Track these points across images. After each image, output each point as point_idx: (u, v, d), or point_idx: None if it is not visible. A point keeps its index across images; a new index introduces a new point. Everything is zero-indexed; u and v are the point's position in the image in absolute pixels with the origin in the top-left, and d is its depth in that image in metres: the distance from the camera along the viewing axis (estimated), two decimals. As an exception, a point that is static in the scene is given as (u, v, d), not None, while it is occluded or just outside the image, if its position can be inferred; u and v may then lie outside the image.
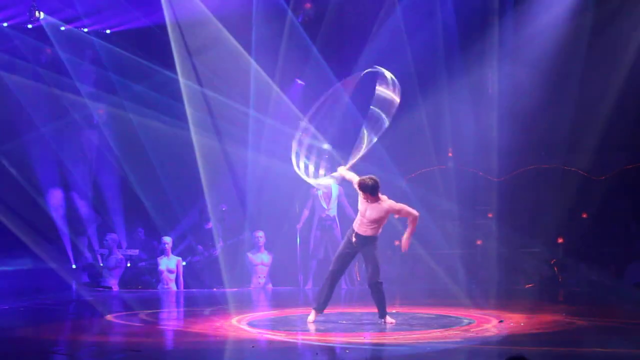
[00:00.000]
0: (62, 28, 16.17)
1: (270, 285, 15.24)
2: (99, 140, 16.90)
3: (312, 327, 9.52)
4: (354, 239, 9.64)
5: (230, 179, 16.50)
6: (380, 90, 9.87)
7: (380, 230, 9.68)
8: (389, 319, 9.70)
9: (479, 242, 15.60)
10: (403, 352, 7.90)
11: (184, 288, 15.04)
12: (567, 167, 15.56)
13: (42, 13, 15.25)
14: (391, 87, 9.82)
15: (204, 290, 14.73)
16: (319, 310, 9.76)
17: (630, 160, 15.35)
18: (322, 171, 10.33)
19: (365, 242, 9.63)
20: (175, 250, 15.37)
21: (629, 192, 15.41)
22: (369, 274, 9.74)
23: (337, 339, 8.84)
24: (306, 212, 15.10)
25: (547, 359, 7.70)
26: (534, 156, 15.90)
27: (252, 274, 15.21)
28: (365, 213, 9.58)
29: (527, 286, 14.59)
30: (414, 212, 9.56)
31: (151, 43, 16.25)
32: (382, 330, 9.27)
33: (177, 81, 15.97)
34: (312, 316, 9.76)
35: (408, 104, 15.42)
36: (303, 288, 15.04)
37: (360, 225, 9.62)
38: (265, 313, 11.56)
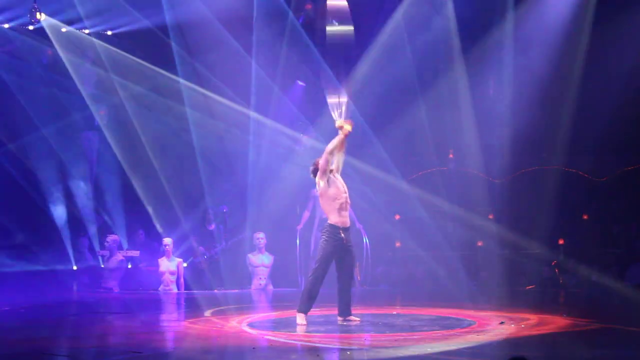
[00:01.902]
0: (64, 29, 16.17)
1: (270, 287, 15.23)
2: (99, 142, 16.90)
3: (312, 328, 9.51)
4: (342, 235, 9.55)
5: (231, 180, 16.49)
6: None
7: None
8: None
9: (479, 244, 15.59)
10: (403, 353, 7.90)
11: (185, 289, 15.03)
12: (568, 169, 15.55)
13: (43, 14, 15.25)
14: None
15: (204, 292, 14.72)
16: (307, 313, 9.73)
17: (631, 162, 15.35)
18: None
19: (350, 235, 9.68)
20: (176, 251, 15.36)
21: (629, 194, 15.40)
22: (349, 270, 9.73)
23: (337, 341, 8.83)
24: (307, 214, 15.13)
25: (548, 360, 7.71)
26: (535, 158, 15.89)
27: (253, 275, 15.20)
28: (342, 190, 9.43)
29: (527, 287, 14.57)
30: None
31: (152, 45, 16.25)
32: (382, 331, 9.26)
33: (178, 82, 15.98)
34: (302, 319, 9.71)
35: (409, 105, 15.47)
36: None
37: (341, 212, 9.45)
38: (265, 314, 11.56)
